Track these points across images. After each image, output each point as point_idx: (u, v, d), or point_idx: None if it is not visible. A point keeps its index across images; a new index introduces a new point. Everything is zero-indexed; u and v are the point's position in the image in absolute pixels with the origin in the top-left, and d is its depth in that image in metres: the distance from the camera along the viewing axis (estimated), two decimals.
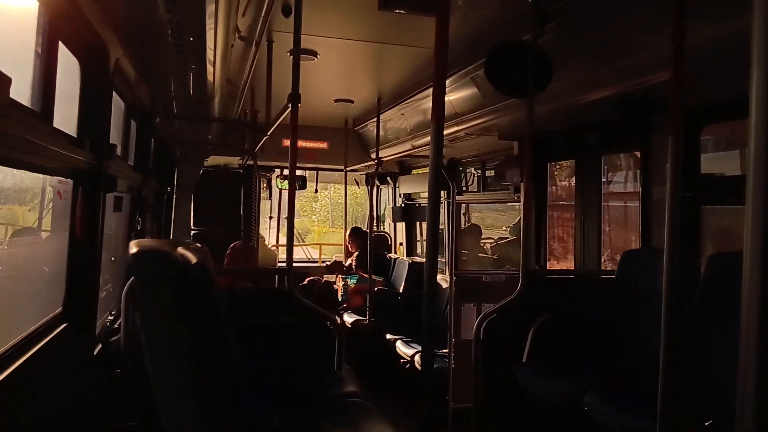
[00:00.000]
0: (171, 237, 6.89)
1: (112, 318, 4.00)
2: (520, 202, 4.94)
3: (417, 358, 5.68)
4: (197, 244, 2.71)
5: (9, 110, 1.68)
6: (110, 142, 3.15)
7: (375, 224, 9.58)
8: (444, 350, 4.74)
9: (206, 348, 1.57)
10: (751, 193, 0.87)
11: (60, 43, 2.41)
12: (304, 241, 17.07)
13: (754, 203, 0.86)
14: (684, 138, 2.68)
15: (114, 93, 3.33)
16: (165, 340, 1.50)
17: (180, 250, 1.72)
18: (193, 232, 8.08)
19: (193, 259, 1.68)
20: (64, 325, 2.65)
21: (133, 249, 1.52)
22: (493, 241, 10.77)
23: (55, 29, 2.33)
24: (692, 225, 3.81)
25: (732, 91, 3.21)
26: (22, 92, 2.06)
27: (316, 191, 10.70)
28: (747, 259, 0.86)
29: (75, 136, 2.80)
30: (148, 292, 1.54)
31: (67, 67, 2.68)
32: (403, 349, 6.05)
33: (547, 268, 5.94)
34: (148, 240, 1.92)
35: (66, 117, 2.65)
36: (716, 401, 2.74)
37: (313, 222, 27.26)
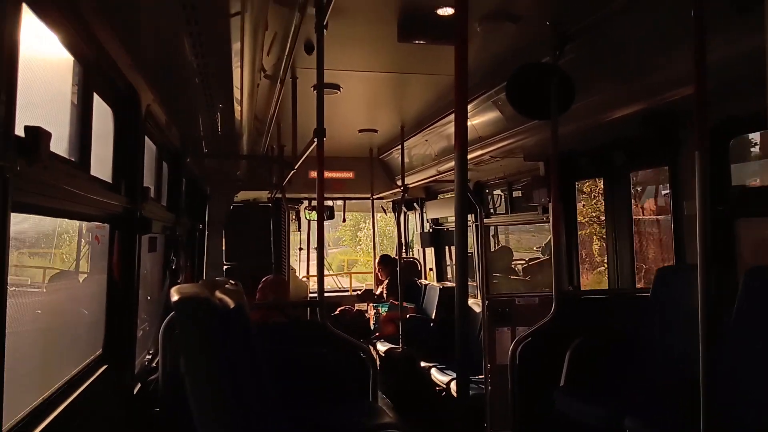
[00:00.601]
0: (204, 273, 6.99)
1: (149, 357, 4.06)
2: (548, 222, 4.91)
3: (452, 385, 5.62)
4: (231, 282, 2.76)
5: (49, 162, 1.76)
6: (144, 185, 3.25)
7: (404, 250, 9.58)
8: (479, 376, 4.69)
9: (246, 388, 1.60)
10: None
11: (94, 93, 2.51)
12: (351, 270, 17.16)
13: None
14: (711, 151, 2.66)
15: (146, 137, 3.43)
16: (207, 383, 1.53)
17: (218, 294, 1.76)
18: (225, 267, 8.19)
19: (231, 303, 1.72)
20: (105, 366, 2.70)
21: (174, 297, 1.57)
22: (524, 262, 10.68)
23: (89, 80, 2.43)
24: (726, 239, 3.74)
25: (756, 104, 3.18)
26: (60, 141, 2.15)
27: (344, 220, 10.77)
28: None
29: (110, 181, 2.89)
30: (191, 338, 1.58)
31: (101, 112, 2.78)
32: (437, 376, 6.00)
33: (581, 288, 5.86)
34: (187, 286, 1.96)
35: (101, 160, 2.75)
36: (759, 420, 2.67)
37: (357, 252, 27.00)
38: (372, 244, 9.96)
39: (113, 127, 2.99)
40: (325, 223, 4.43)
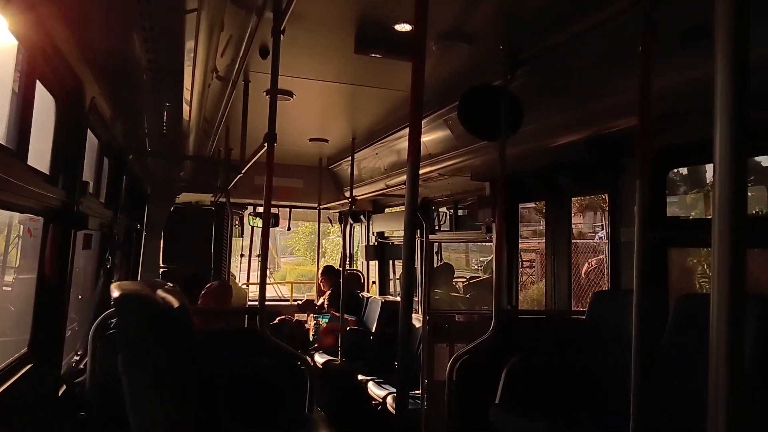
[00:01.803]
0: (139, 275, 6.76)
1: (77, 359, 3.89)
2: (491, 242, 5.00)
3: (389, 399, 5.61)
4: (169, 284, 2.68)
5: None
6: (83, 179, 3.12)
7: (348, 262, 9.55)
8: (416, 391, 4.70)
9: (186, 391, 1.54)
10: (716, 236, 0.91)
11: (37, 81, 2.40)
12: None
13: (720, 245, 0.90)
14: (650, 181, 2.77)
15: (88, 130, 3.31)
16: (146, 384, 1.47)
17: (160, 293, 1.70)
18: (161, 269, 7.95)
19: (175, 303, 1.67)
20: (30, 365, 2.57)
21: (115, 293, 1.51)
22: (465, 280, 10.83)
23: (33, 68, 2.33)
24: (660, 266, 3.90)
25: (697, 136, 3.34)
26: None
27: (289, 229, 10.65)
28: (714, 300, 0.90)
29: (48, 173, 2.77)
30: (131, 336, 1.52)
31: (42, 104, 2.67)
32: (375, 390, 5.97)
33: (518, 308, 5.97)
34: (127, 283, 1.89)
35: (39, 152, 2.63)
36: None
37: (314, 264, 25.29)
38: (337, 255, 9.81)
39: (55, 117, 2.87)
40: (277, 230, 4.38)
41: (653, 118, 2.58)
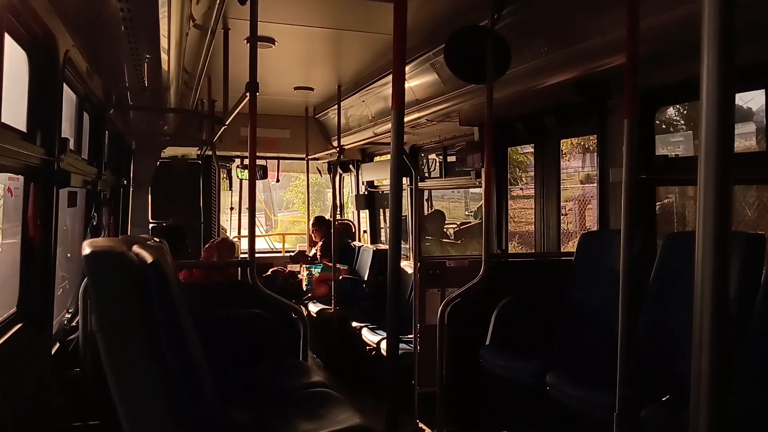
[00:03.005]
0: (129, 231, 6.74)
1: (69, 316, 3.90)
2: (481, 187, 4.99)
3: (382, 344, 5.71)
4: (155, 239, 2.66)
5: None
6: (62, 136, 3.05)
7: (339, 212, 9.55)
8: (409, 336, 4.78)
9: (165, 348, 1.54)
10: (702, 173, 0.90)
11: (6, 34, 2.31)
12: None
13: (705, 183, 0.89)
14: (638, 120, 2.74)
15: (65, 85, 3.22)
16: (121, 342, 1.47)
17: (135, 248, 1.68)
18: (151, 225, 7.91)
19: (149, 258, 1.64)
20: (20, 324, 2.57)
21: (85, 250, 1.48)
22: (456, 226, 10.87)
23: (0, 21, 2.24)
24: (648, 205, 3.92)
25: (684, 74, 3.30)
26: None
27: (278, 180, 10.59)
28: (699, 238, 0.89)
29: (25, 131, 2.70)
30: (102, 294, 1.50)
31: (14, 59, 2.59)
32: (368, 336, 6.07)
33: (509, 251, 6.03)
34: (101, 240, 1.87)
35: (15, 113, 2.57)
36: (673, 377, 2.84)
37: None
38: (330, 205, 9.76)
39: (28, 72, 2.78)
40: (272, 183, 4.36)
41: (641, 56, 2.53)
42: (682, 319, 2.99)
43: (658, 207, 4.09)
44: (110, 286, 1.49)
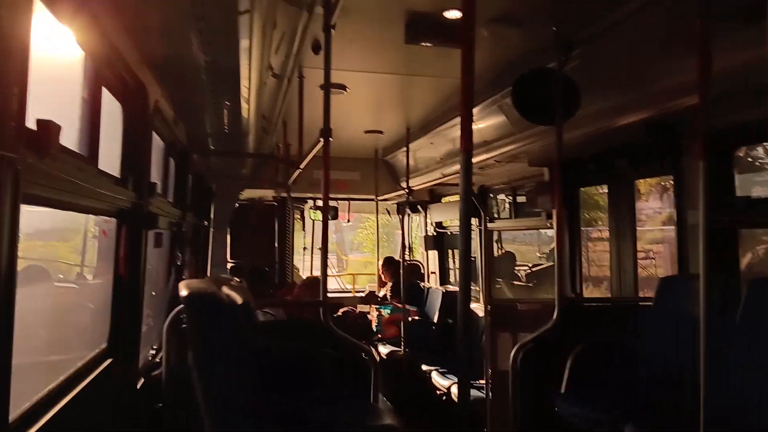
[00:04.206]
0: (208, 270, 7.01)
1: (153, 352, 4.08)
2: (552, 228, 4.91)
3: (453, 389, 5.62)
4: (236, 279, 2.78)
5: (59, 155, 1.78)
6: (151, 180, 3.27)
7: (408, 253, 9.58)
8: (481, 381, 4.69)
9: (252, 383, 1.61)
10: None
11: (103, 88, 2.53)
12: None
13: None
14: (715, 161, 2.66)
15: (153, 132, 3.45)
16: (216, 376, 1.54)
17: (225, 289, 1.77)
18: (229, 264, 8.20)
19: (239, 299, 1.73)
20: (110, 360, 2.72)
21: (183, 292, 1.58)
22: (528, 268, 10.67)
23: (98, 75, 2.46)
24: (730, 249, 3.74)
25: (761, 114, 3.18)
26: (69, 135, 2.18)
27: (348, 221, 10.78)
28: None
29: (118, 176, 2.91)
30: (199, 332, 1.58)
31: (110, 110, 2.81)
32: (438, 380, 6.00)
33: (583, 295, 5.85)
34: (195, 281, 1.98)
35: (107, 157, 2.77)
36: (756, 428, 2.66)
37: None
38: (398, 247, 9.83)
39: (122, 122, 3.01)
40: (343, 225, 4.48)
41: (713, 97, 2.47)
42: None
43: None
44: (207, 324, 1.57)
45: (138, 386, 3.21)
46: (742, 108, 3.28)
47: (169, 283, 4.84)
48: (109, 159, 2.86)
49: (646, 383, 3.79)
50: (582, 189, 5.74)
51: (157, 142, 4.06)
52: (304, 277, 9.91)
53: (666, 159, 4.21)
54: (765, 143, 3.81)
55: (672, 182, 4.37)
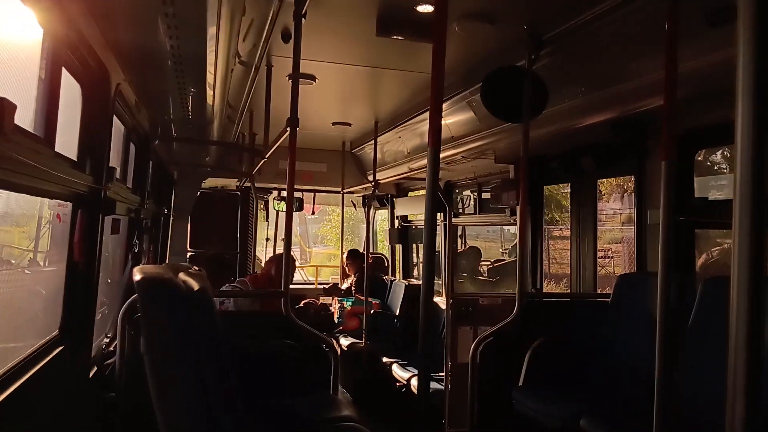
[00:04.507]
0: (167, 259, 6.89)
1: (107, 341, 3.99)
2: (516, 224, 4.97)
3: (413, 381, 5.65)
4: (195, 268, 2.73)
5: (14, 136, 1.71)
6: (110, 165, 3.18)
7: (372, 246, 9.58)
8: (440, 373, 4.73)
9: (208, 372, 1.58)
10: (737, 217, 0.90)
11: (63, 69, 2.44)
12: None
13: (740, 226, 0.89)
14: (677, 162, 2.72)
15: (114, 117, 3.36)
16: (169, 365, 1.51)
17: (181, 275, 1.74)
18: (189, 253, 8.07)
19: (195, 285, 1.70)
20: (61, 347, 2.64)
21: (136, 276, 1.54)
22: (490, 263, 10.79)
23: (58, 56, 2.37)
24: (687, 248, 3.84)
25: (723, 117, 3.27)
26: (25, 117, 2.10)
27: (313, 213, 10.72)
28: (734, 284, 0.89)
29: (76, 160, 2.83)
30: (153, 318, 1.55)
31: (69, 92, 2.72)
32: (399, 372, 6.03)
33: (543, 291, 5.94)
34: (150, 266, 1.93)
35: (65, 142, 2.68)
36: (709, 426, 2.75)
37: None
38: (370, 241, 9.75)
39: (81, 104, 2.92)
40: (308, 217, 4.44)
41: (680, 98, 2.53)
42: (721, 367, 2.90)
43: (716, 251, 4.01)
44: (160, 310, 1.54)
45: (90, 375, 3.13)
46: (706, 111, 3.36)
47: (125, 272, 4.74)
48: (68, 142, 2.77)
49: (603, 378, 3.88)
50: (545, 187, 5.82)
51: (118, 127, 3.95)
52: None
53: (629, 159, 4.30)
54: (725, 147, 3.89)
55: (632, 183, 4.47)
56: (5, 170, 1.82)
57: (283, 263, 3.75)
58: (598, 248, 5.20)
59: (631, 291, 4.01)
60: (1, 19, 1.80)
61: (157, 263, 6.18)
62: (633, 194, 4.48)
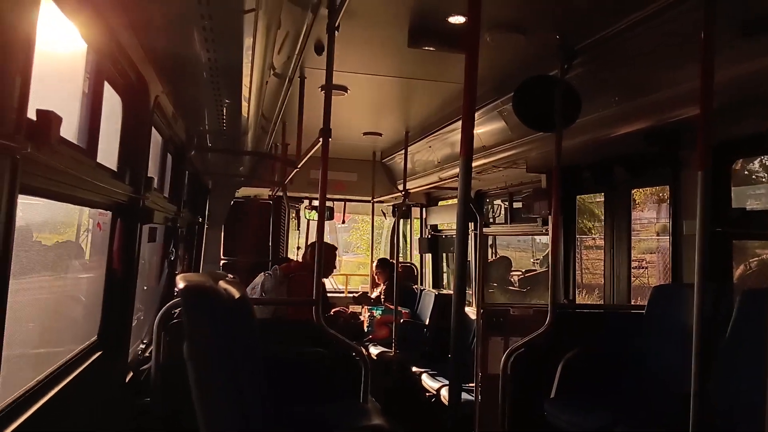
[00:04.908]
0: (201, 266, 7.00)
1: (143, 347, 4.07)
2: (547, 234, 4.93)
3: (443, 391, 5.63)
4: (230, 276, 2.78)
5: (59, 147, 1.78)
6: (148, 175, 3.26)
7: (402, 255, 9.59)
8: (470, 384, 4.70)
9: (244, 378, 1.61)
10: None
11: (105, 82, 2.53)
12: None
13: None
14: (713, 172, 2.68)
15: (153, 128, 3.45)
16: (209, 370, 1.54)
17: (222, 284, 1.78)
18: (222, 261, 8.20)
19: (236, 293, 1.73)
20: (99, 353, 2.71)
21: (180, 284, 1.58)
22: (521, 273, 10.70)
23: (101, 69, 2.46)
24: (724, 260, 3.76)
25: (760, 126, 3.21)
26: (69, 127, 2.17)
27: (343, 222, 10.79)
28: None
29: (115, 170, 2.91)
30: (196, 326, 1.59)
31: (110, 104, 2.81)
32: (428, 382, 6.01)
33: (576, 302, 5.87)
34: (192, 275, 1.98)
35: (105, 151, 2.77)
36: None
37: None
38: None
39: (122, 116, 3.01)
40: (338, 225, 4.48)
41: (716, 108, 2.49)
42: (759, 380, 2.83)
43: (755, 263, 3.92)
44: (203, 317, 1.58)
45: (126, 380, 3.20)
46: (741, 120, 3.30)
47: (161, 279, 4.83)
48: (108, 152, 2.86)
49: (636, 390, 3.81)
50: (578, 197, 5.77)
51: (155, 138, 4.05)
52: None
53: (664, 168, 4.24)
54: (763, 156, 3.81)
55: (667, 192, 4.40)
56: (51, 180, 1.89)
57: (315, 273, 3.78)
58: (632, 258, 5.13)
59: (665, 302, 3.94)
60: (50, 35, 1.87)
61: (192, 271, 6.30)
62: (668, 204, 4.41)
